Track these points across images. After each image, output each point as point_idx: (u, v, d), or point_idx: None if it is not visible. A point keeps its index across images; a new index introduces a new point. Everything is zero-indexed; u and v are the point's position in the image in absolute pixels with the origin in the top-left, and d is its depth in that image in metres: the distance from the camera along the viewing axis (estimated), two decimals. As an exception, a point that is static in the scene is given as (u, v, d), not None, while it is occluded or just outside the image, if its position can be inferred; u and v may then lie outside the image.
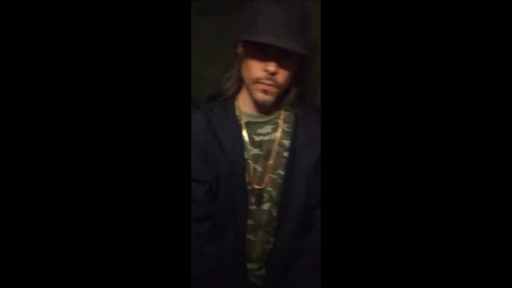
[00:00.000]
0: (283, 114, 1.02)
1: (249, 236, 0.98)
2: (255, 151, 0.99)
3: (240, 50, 0.94)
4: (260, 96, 0.96)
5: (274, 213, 0.97)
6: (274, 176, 0.98)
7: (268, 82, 0.94)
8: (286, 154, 0.98)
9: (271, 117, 1.02)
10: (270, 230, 0.98)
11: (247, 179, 0.97)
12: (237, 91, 1.02)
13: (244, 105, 1.02)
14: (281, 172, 0.97)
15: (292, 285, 1.00)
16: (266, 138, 1.00)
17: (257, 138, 0.99)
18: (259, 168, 0.98)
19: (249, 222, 0.97)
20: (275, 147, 0.99)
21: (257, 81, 0.95)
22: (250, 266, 0.99)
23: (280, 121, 1.01)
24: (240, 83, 1.00)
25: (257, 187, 0.97)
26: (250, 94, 0.98)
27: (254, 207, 0.98)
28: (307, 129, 0.99)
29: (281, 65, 0.92)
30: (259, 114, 1.01)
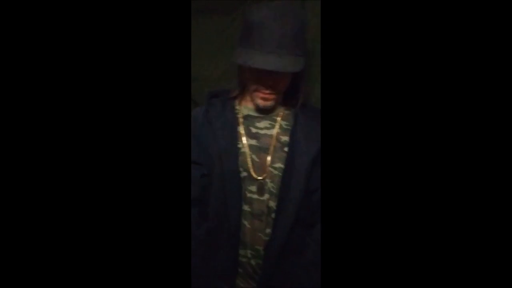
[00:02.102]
0: (281, 112, 1.06)
1: (244, 222, 1.00)
2: (252, 142, 1.02)
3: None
4: (261, 102, 1.02)
5: (272, 205, 1.00)
6: (273, 170, 1.00)
7: (267, 91, 1.00)
8: (286, 149, 1.01)
9: (270, 114, 1.06)
10: (268, 220, 1.00)
11: (242, 168, 1.00)
12: (239, 94, 1.07)
13: (245, 102, 1.06)
14: (281, 165, 1.00)
15: (291, 280, 1.01)
16: (263, 132, 1.03)
17: (254, 130, 1.03)
18: (256, 159, 1.01)
19: (245, 208, 1.00)
20: (273, 141, 1.02)
21: (256, 90, 1.00)
22: (242, 252, 1.01)
23: (278, 118, 1.05)
24: (242, 88, 1.05)
25: (258, 177, 0.99)
26: (251, 97, 1.04)
27: (255, 196, 1.00)
28: (305, 128, 1.03)
29: (279, 77, 0.98)
30: (258, 113, 1.06)
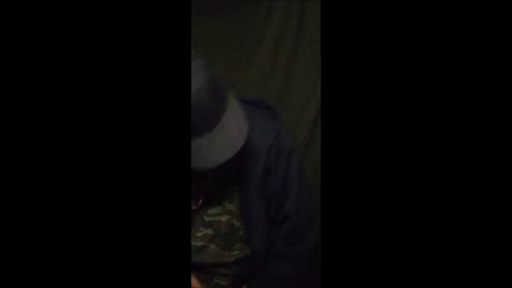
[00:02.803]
0: None
1: (212, 245, 1.02)
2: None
3: None
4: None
5: (235, 223, 1.01)
6: (228, 192, 1.01)
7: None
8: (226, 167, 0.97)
9: None
10: (235, 238, 1.02)
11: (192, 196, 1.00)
12: None
13: None
14: (236, 187, 1.00)
15: (265, 274, 1.05)
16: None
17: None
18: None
19: (208, 232, 1.01)
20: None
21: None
22: (212, 270, 1.04)
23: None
24: None
25: (194, 208, 1.00)
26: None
27: (210, 218, 1.02)
28: (251, 138, 0.96)
29: None
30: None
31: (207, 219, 1.02)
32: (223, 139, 0.84)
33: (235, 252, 1.04)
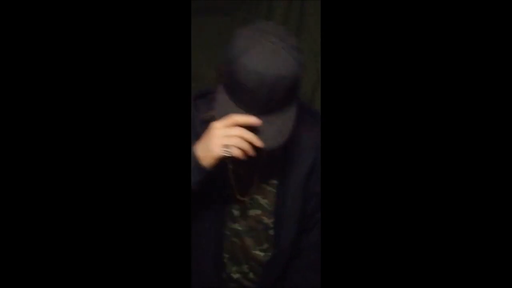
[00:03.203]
0: None
1: (234, 239, 0.97)
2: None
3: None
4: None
5: (266, 221, 0.97)
6: (265, 185, 0.96)
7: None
8: (270, 163, 0.95)
9: None
10: (264, 237, 0.97)
11: (226, 182, 0.95)
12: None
13: None
14: (274, 181, 0.96)
15: (290, 283, 0.99)
16: None
17: None
18: (241, 172, 0.95)
19: (233, 226, 0.97)
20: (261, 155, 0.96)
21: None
22: (236, 268, 0.99)
23: None
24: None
25: (240, 198, 0.95)
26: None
27: (238, 212, 0.97)
28: (300, 137, 0.95)
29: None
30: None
31: (235, 212, 0.97)
32: (281, 124, 0.82)
33: (259, 253, 0.99)
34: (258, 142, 0.79)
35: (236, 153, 0.79)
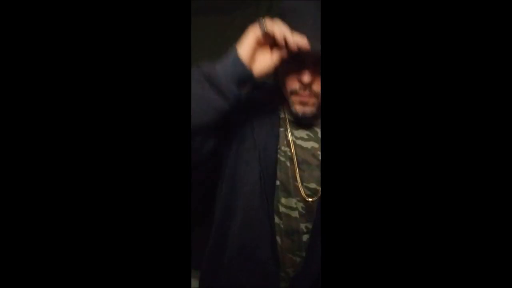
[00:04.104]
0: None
1: (277, 238, 0.92)
2: (286, 150, 0.93)
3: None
4: (299, 108, 0.90)
5: (304, 226, 0.92)
6: (305, 189, 0.92)
7: (305, 93, 0.88)
8: (318, 167, 0.92)
9: (311, 124, 0.95)
10: (300, 242, 0.92)
11: (278, 176, 0.92)
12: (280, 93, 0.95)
13: (286, 104, 0.95)
14: (314, 185, 0.92)
15: None
16: (298, 142, 0.94)
17: (289, 138, 0.93)
18: (288, 170, 0.92)
19: (277, 221, 0.92)
20: (308, 157, 0.93)
21: (293, 93, 0.89)
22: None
23: (319, 130, 0.94)
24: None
25: (308, 199, 0.91)
26: (290, 108, 0.91)
27: (288, 211, 0.93)
28: None
29: (316, 73, 0.87)
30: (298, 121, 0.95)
31: (280, 208, 0.92)
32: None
33: (289, 260, 0.93)
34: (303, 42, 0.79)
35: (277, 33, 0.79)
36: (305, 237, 0.92)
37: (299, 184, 0.92)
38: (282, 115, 0.96)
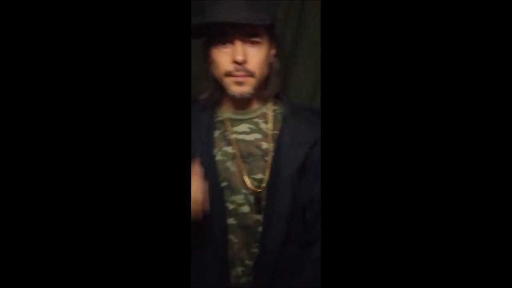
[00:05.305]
0: (266, 113, 0.98)
1: (230, 236, 0.94)
2: (227, 149, 0.95)
3: (205, 47, 0.92)
4: (235, 88, 0.90)
5: (258, 217, 0.94)
6: (252, 180, 0.94)
7: (240, 73, 0.89)
8: (267, 158, 0.94)
9: (251, 115, 0.97)
10: (256, 234, 0.94)
11: (221, 177, 0.93)
12: (217, 95, 0.97)
13: (225, 105, 0.98)
14: (262, 176, 0.94)
15: None
16: (241, 137, 0.96)
17: (230, 136, 0.95)
18: (232, 168, 0.94)
19: (230, 221, 0.94)
20: (252, 149, 0.95)
21: (227, 74, 0.90)
22: (232, 272, 0.95)
23: (260, 121, 0.97)
24: (218, 87, 0.95)
25: (256, 189, 0.93)
26: (226, 90, 0.92)
27: (240, 208, 0.94)
28: (292, 132, 0.95)
29: (248, 52, 0.88)
30: (239, 111, 0.97)
31: (230, 206, 0.93)
32: None
33: (247, 254, 0.95)
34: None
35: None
36: (259, 228, 0.93)
37: (247, 177, 0.93)
38: (219, 118, 0.97)
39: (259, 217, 0.93)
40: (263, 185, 0.93)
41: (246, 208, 0.94)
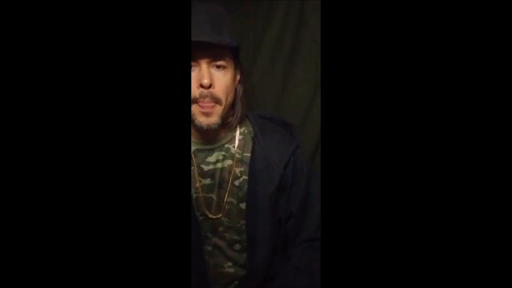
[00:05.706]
0: (235, 137, 0.97)
1: (210, 260, 0.97)
2: (206, 181, 0.95)
3: None
4: (203, 120, 0.88)
5: (232, 237, 0.96)
6: (227, 206, 0.95)
7: (206, 100, 0.86)
8: (237, 183, 0.95)
9: (221, 142, 0.96)
10: (228, 254, 0.97)
11: (201, 210, 0.95)
12: None
13: (192, 135, 0.95)
14: (233, 201, 0.95)
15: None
16: (216, 166, 0.95)
17: (206, 168, 0.95)
18: (215, 198, 0.95)
19: (208, 248, 0.96)
20: (227, 175, 0.95)
21: (195, 101, 0.87)
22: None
23: (231, 147, 0.96)
24: None
25: (213, 216, 0.95)
26: (194, 121, 0.90)
27: (210, 234, 0.96)
28: (264, 153, 0.95)
29: (214, 76, 0.87)
30: (206, 141, 0.95)
31: (209, 235, 0.96)
32: None
33: (232, 270, 0.98)
34: None
35: None
36: (244, 254, 0.96)
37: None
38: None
39: (234, 236, 0.96)
40: (234, 209, 0.95)
41: (226, 234, 0.96)
